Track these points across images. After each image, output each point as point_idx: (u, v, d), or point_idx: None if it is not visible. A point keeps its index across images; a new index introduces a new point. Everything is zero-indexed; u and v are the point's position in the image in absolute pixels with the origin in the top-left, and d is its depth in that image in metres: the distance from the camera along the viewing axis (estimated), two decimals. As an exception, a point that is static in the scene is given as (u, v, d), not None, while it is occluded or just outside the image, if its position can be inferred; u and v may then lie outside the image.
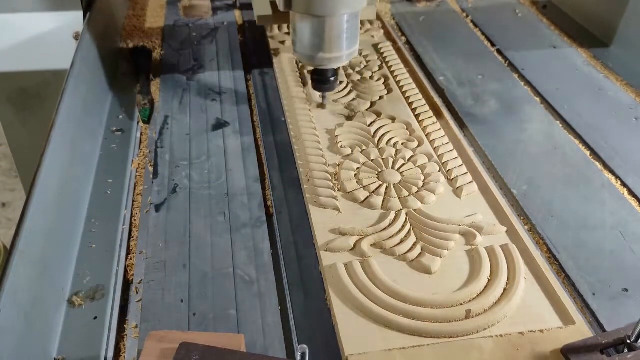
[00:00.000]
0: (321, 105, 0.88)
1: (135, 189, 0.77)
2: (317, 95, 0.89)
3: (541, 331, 0.56)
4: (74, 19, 0.96)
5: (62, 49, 0.91)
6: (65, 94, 0.73)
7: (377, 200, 0.71)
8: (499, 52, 1.08)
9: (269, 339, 0.57)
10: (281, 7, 0.75)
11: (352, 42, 0.77)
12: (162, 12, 1.21)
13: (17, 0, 0.95)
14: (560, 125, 0.88)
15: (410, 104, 0.90)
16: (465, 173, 0.75)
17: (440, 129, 0.84)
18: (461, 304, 0.59)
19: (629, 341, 0.51)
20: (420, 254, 0.64)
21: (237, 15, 1.21)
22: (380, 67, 0.99)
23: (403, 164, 0.77)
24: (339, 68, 0.83)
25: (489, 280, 0.61)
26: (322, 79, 0.82)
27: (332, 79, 0.82)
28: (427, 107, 0.89)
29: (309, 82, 0.88)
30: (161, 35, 1.12)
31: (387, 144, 0.81)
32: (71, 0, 0.95)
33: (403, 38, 1.13)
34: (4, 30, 0.95)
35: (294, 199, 0.74)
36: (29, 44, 0.97)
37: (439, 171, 0.76)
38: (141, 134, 0.87)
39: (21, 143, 1.04)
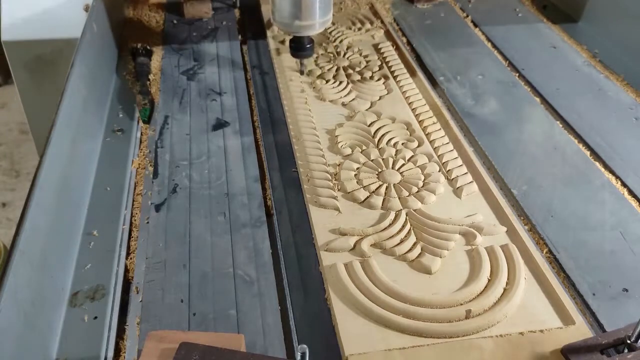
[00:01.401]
0: (300, 72, 0.96)
1: (135, 189, 0.77)
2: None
3: (541, 331, 0.56)
4: None
5: (74, 20, 1.04)
6: (66, 94, 0.73)
7: (377, 200, 0.71)
8: (499, 52, 1.08)
9: (269, 339, 0.57)
10: None
11: (325, 11, 0.85)
12: (162, 13, 1.21)
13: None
14: (560, 125, 0.88)
15: (410, 104, 0.90)
16: (465, 173, 0.75)
17: (440, 129, 0.84)
18: (461, 304, 0.59)
19: (629, 341, 0.51)
20: (420, 254, 0.64)
21: (237, 15, 1.21)
22: (380, 67, 0.99)
23: (403, 164, 0.77)
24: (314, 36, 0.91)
25: (489, 280, 0.61)
26: (299, 46, 0.90)
27: (308, 46, 0.90)
28: (427, 107, 0.89)
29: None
30: (161, 35, 1.12)
31: (387, 144, 0.81)
32: None
33: (403, 38, 1.13)
34: (20, 2, 1.05)
35: (294, 199, 0.74)
36: (44, 14, 1.07)
37: (439, 171, 0.76)
38: (141, 134, 0.87)
39: (35, 106, 1.14)
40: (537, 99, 0.94)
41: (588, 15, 1.15)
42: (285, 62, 1.00)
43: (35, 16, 1.06)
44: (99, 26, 0.95)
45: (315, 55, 1.01)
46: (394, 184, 0.74)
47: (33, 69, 1.10)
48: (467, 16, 1.20)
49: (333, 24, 1.11)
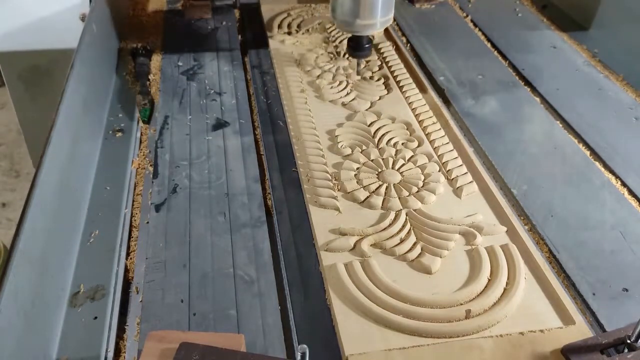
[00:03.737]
0: (357, 73, 0.96)
1: (135, 189, 0.77)
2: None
3: (541, 331, 0.56)
4: (81, 1, 1.05)
5: (70, 29, 1.00)
6: (66, 94, 0.73)
7: (377, 200, 0.71)
8: (499, 52, 1.08)
9: (269, 339, 0.57)
10: None
11: (387, 10, 0.85)
12: (162, 13, 1.21)
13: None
14: (560, 125, 0.88)
15: (410, 104, 0.90)
16: (465, 173, 0.75)
17: (440, 129, 0.84)
18: (461, 304, 0.59)
19: (629, 341, 0.52)
20: (420, 254, 0.64)
21: (237, 15, 1.21)
22: (380, 67, 0.99)
23: (403, 164, 0.77)
24: (373, 38, 0.94)
25: (489, 280, 0.61)
26: (357, 46, 0.89)
27: (367, 46, 0.90)
28: (427, 107, 0.89)
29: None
30: (161, 35, 1.12)
31: (387, 144, 0.81)
32: None
33: (403, 38, 1.13)
34: (15, 11, 1.04)
35: (294, 199, 0.74)
36: (40, 24, 1.06)
37: (439, 171, 0.76)
38: (141, 134, 0.87)
39: (30, 117, 1.13)
40: (537, 99, 0.94)
41: (598, 22, 1.14)
42: (285, 62, 1.00)
43: (30, 26, 1.05)
44: (98, 27, 0.95)
45: (315, 56, 1.02)
46: (394, 184, 0.74)
47: (27, 80, 1.09)
48: (467, 16, 1.20)
49: (332, 24, 1.11)
